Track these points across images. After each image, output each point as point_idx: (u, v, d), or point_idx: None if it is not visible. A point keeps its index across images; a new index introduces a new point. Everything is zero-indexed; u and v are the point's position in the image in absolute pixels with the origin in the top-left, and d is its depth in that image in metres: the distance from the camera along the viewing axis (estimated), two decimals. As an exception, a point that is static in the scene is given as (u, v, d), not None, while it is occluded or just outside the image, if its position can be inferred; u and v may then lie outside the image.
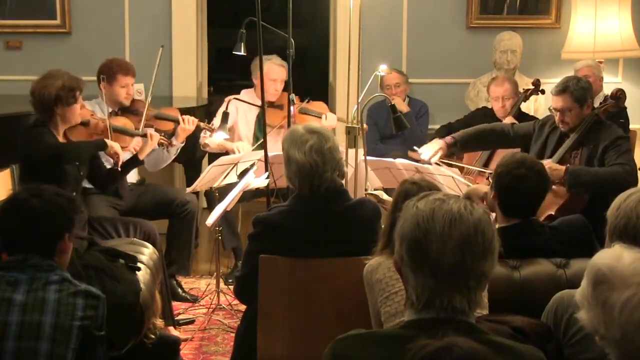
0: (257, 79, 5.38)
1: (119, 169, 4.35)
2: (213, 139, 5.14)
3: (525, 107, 5.60)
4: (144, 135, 4.57)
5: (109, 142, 4.29)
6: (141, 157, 4.51)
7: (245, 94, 5.45)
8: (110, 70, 4.74)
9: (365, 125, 5.23)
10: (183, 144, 4.90)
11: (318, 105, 5.49)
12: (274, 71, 5.29)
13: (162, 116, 4.87)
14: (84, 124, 4.30)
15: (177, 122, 4.82)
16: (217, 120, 5.16)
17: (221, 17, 8.11)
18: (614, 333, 1.79)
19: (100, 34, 6.17)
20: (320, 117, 5.34)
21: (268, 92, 5.26)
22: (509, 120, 5.11)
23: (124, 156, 4.41)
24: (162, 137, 4.64)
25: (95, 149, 4.29)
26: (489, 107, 5.59)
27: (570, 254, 2.88)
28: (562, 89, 4.27)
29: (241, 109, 5.38)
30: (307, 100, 5.38)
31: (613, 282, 1.81)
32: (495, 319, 2.42)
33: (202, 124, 4.91)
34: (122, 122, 4.58)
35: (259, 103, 5.40)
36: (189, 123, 4.80)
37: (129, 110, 4.85)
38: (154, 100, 4.98)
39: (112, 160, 4.39)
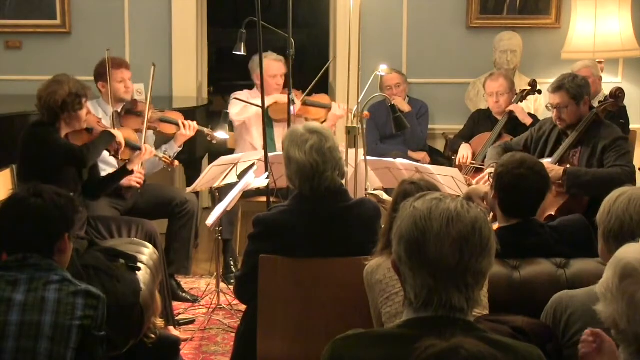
0: (258, 78, 5.38)
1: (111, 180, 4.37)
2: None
3: (525, 107, 5.59)
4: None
5: (114, 132, 4.32)
6: (130, 167, 4.44)
7: (246, 94, 5.42)
8: (103, 69, 4.73)
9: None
10: (181, 149, 4.91)
11: (322, 97, 5.48)
12: (272, 67, 5.27)
13: (166, 119, 4.88)
14: (88, 130, 4.29)
15: (178, 125, 4.84)
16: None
17: (221, 17, 8.11)
18: (636, 329, 1.77)
19: (100, 34, 6.16)
20: (327, 108, 5.34)
21: (271, 88, 5.26)
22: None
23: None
24: (164, 156, 4.66)
25: (105, 145, 4.30)
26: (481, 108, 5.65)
27: (570, 254, 2.89)
28: (558, 86, 4.34)
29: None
30: (307, 93, 5.36)
31: None
32: (495, 319, 2.42)
33: (204, 129, 4.90)
34: (126, 133, 4.53)
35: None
36: (188, 129, 4.83)
37: (132, 112, 4.84)
38: (154, 100, 4.98)
39: (110, 163, 4.39)
